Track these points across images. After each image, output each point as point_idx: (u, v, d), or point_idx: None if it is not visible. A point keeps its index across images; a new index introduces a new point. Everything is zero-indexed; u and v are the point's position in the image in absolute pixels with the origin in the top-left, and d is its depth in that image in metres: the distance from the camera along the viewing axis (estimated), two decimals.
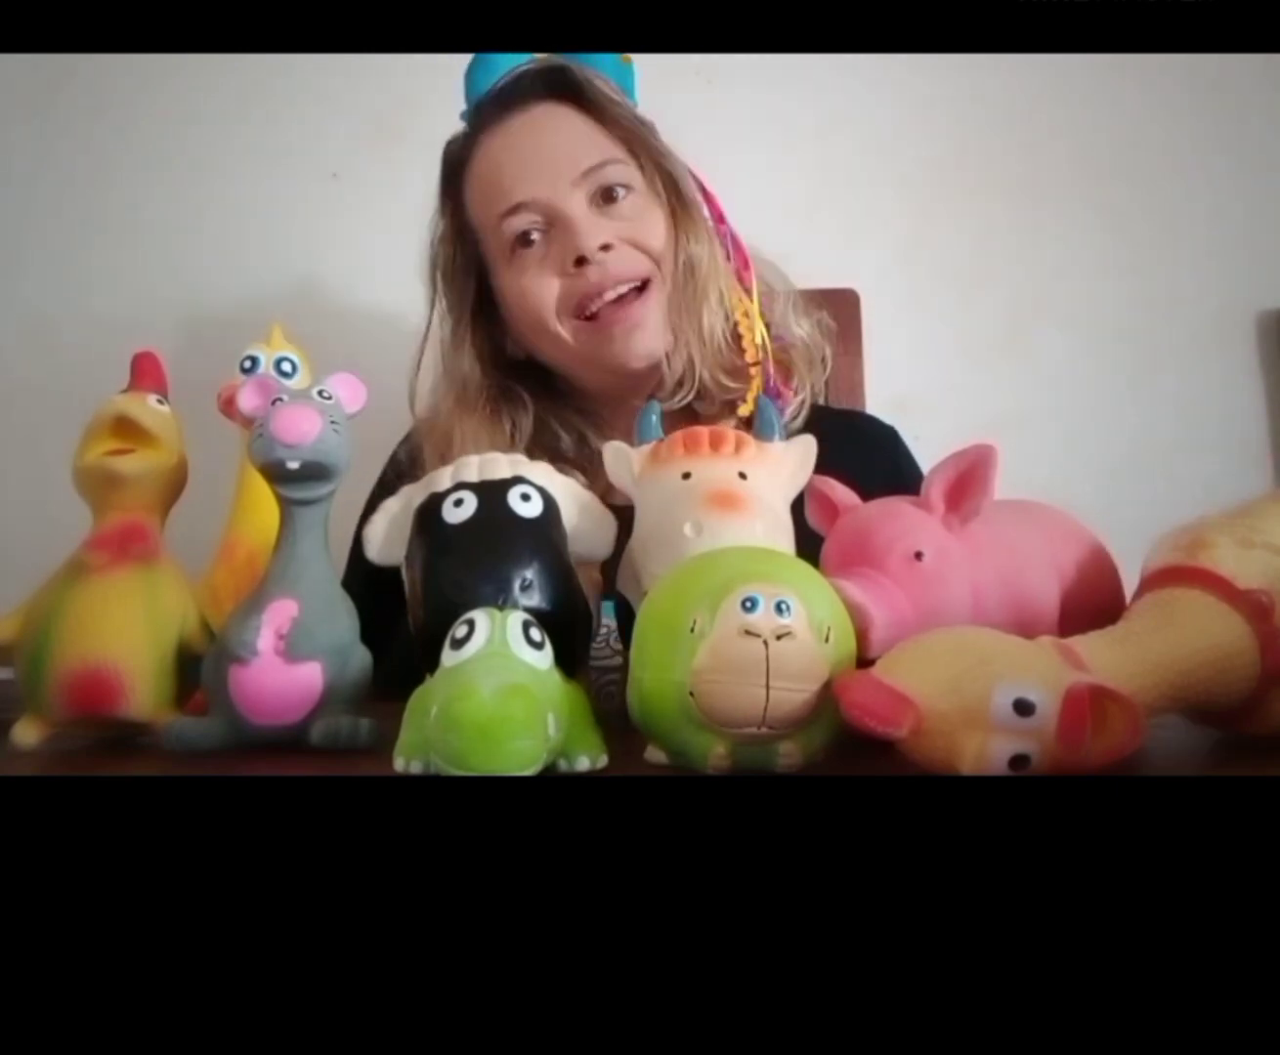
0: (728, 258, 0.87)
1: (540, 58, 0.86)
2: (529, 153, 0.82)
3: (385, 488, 0.85)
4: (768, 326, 0.86)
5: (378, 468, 0.93)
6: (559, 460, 0.80)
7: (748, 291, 0.86)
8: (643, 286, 0.81)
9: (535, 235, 0.81)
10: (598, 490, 0.55)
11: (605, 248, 0.80)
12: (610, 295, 0.80)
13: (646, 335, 0.81)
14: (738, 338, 0.84)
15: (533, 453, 0.81)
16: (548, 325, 0.82)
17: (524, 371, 0.88)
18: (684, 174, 0.85)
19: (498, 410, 0.86)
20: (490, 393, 0.86)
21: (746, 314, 0.84)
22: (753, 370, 0.84)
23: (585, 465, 0.80)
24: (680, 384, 0.82)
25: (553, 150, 0.82)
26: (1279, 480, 1.20)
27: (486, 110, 0.85)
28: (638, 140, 0.84)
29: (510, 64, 0.86)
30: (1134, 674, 0.40)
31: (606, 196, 0.82)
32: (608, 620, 0.66)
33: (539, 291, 0.81)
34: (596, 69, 0.85)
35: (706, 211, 0.87)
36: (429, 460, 0.82)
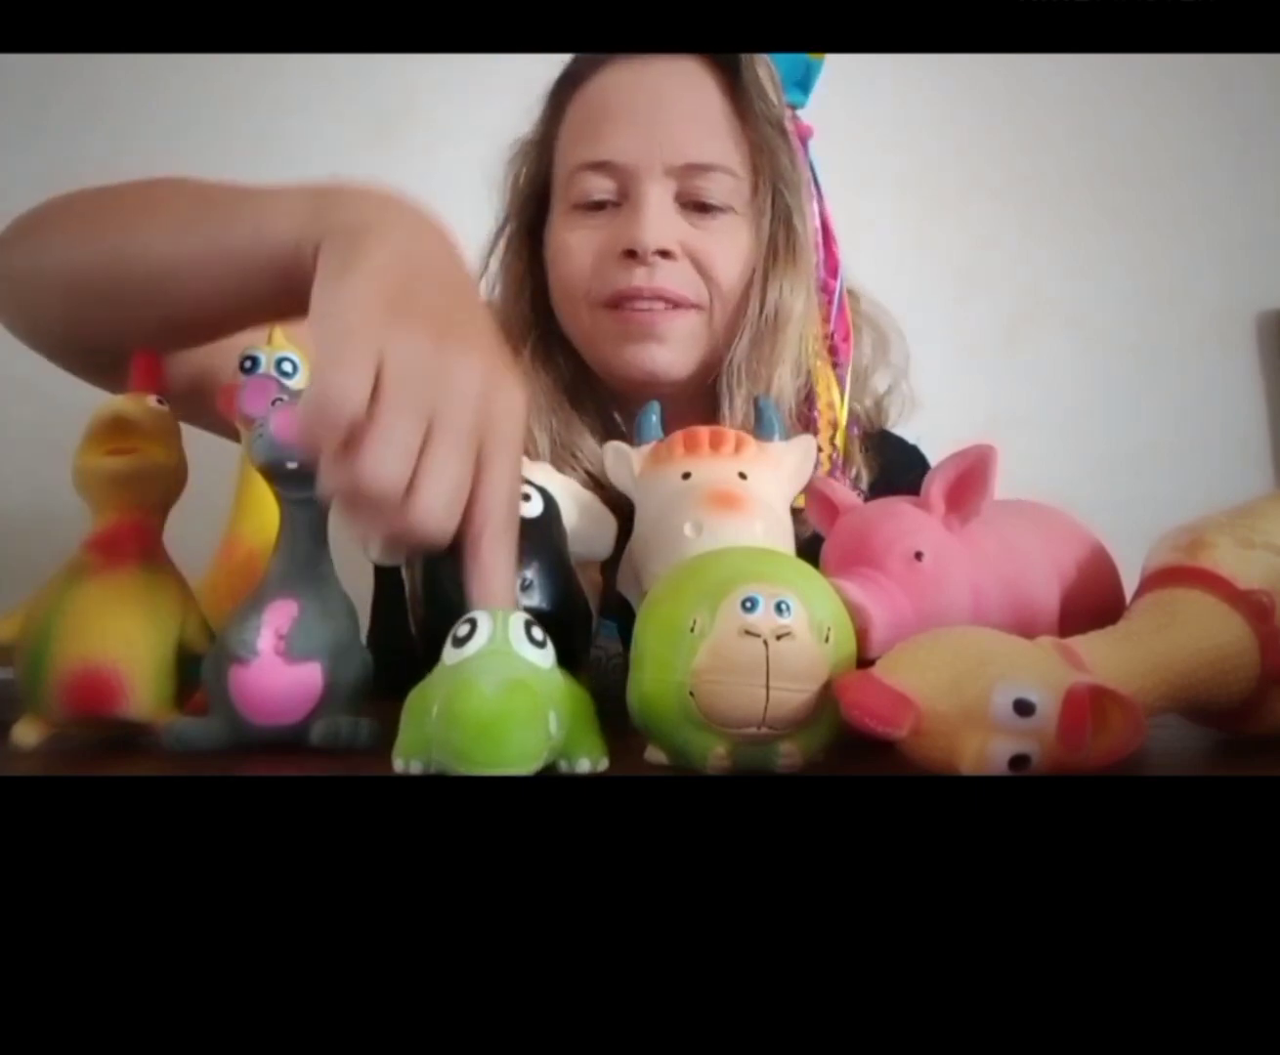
0: (826, 319, 0.75)
1: None
2: (643, 107, 0.71)
3: None
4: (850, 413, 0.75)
5: None
6: (580, 431, 0.74)
7: (839, 366, 0.74)
8: (683, 306, 0.71)
9: (605, 204, 0.71)
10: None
11: (665, 253, 0.69)
12: (643, 306, 0.70)
13: (661, 352, 0.71)
14: (806, 413, 0.72)
15: (572, 417, 0.74)
16: (570, 299, 0.74)
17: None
18: (805, 210, 0.73)
19: (549, 352, 0.76)
20: (539, 331, 0.76)
21: (828, 388, 0.73)
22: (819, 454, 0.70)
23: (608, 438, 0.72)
24: None
25: (669, 118, 0.71)
26: (1279, 480, 1.20)
27: None
28: (766, 154, 0.72)
29: None
30: (1134, 674, 0.40)
31: (698, 206, 0.71)
32: (610, 638, 0.64)
33: (580, 261, 0.72)
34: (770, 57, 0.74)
35: (820, 258, 0.76)
36: None
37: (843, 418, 0.74)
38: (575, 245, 0.72)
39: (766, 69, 0.73)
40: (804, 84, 0.77)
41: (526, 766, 0.37)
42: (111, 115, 1.22)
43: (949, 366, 1.20)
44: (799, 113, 0.78)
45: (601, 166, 0.71)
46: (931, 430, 1.09)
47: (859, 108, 1.22)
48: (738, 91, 0.72)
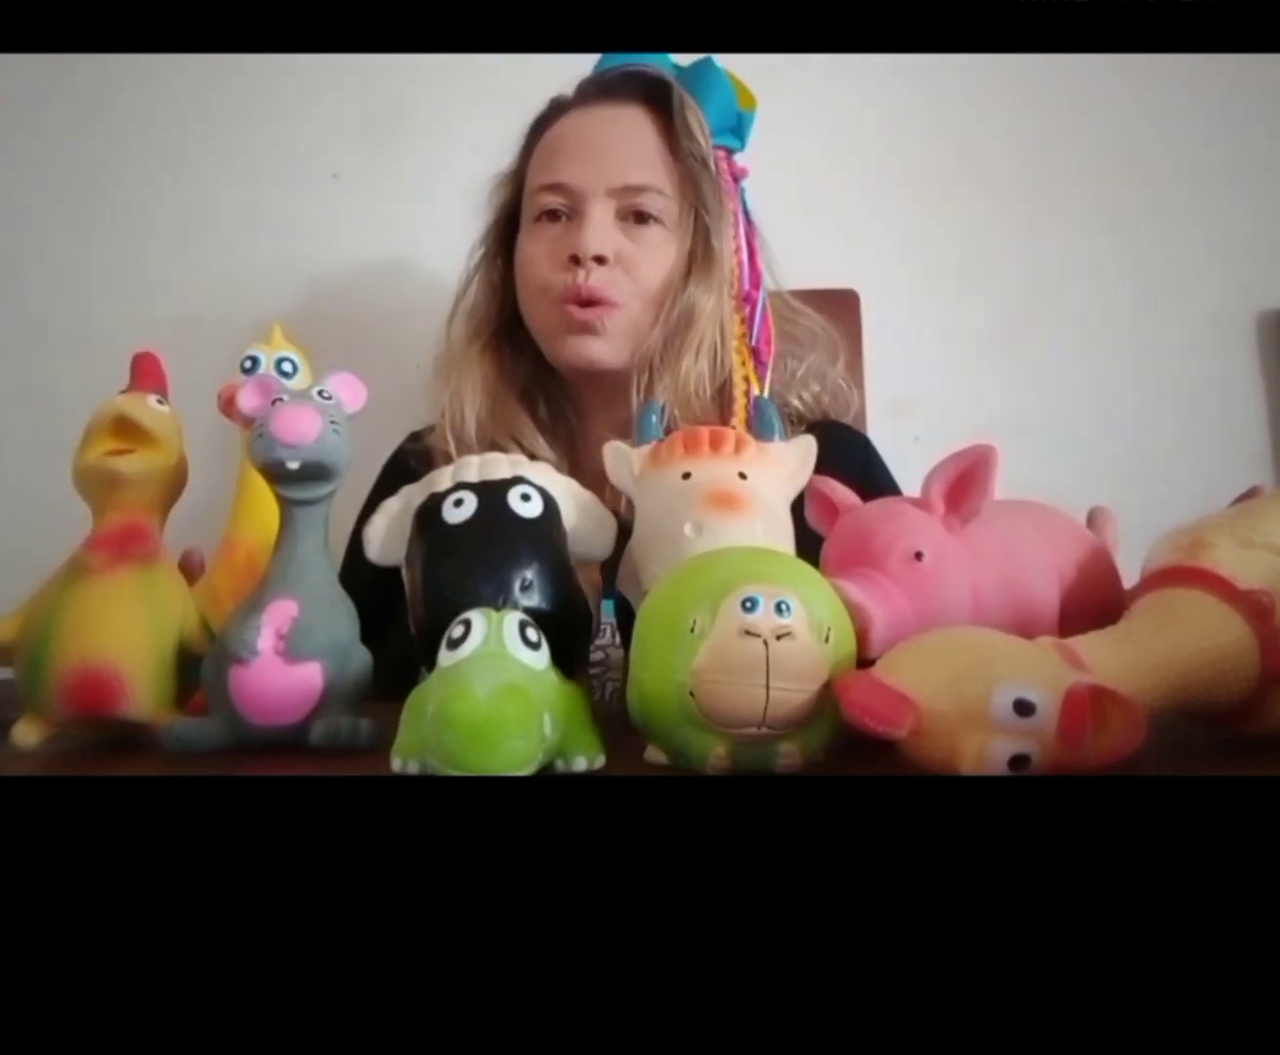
0: (744, 322, 0.88)
1: (654, 66, 0.90)
2: (593, 142, 0.86)
3: (384, 487, 0.89)
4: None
5: (379, 467, 0.93)
6: (536, 422, 0.88)
7: (763, 364, 0.87)
8: (611, 305, 0.83)
9: (561, 216, 0.85)
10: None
11: (599, 259, 0.83)
12: (576, 312, 0.83)
13: (600, 345, 0.84)
14: (726, 397, 0.85)
15: (519, 404, 0.88)
16: (532, 297, 0.87)
17: (522, 324, 0.91)
18: (722, 230, 0.87)
19: (499, 347, 0.90)
20: (495, 327, 0.91)
21: (747, 380, 0.86)
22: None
23: (556, 429, 0.89)
24: None
25: (613, 151, 0.86)
26: (1279, 480, 1.19)
27: (589, 89, 0.90)
28: (692, 182, 0.86)
29: (633, 60, 0.90)
30: (1134, 674, 0.40)
31: (636, 217, 0.85)
32: (608, 619, 0.66)
33: (538, 265, 0.85)
34: (704, 98, 0.88)
35: (745, 274, 0.88)
36: (438, 391, 0.89)
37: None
38: (536, 253, 0.86)
39: (695, 115, 0.87)
40: (738, 132, 0.92)
41: (520, 770, 0.37)
42: (110, 115, 1.21)
43: (949, 366, 1.20)
44: (736, 156, 0.92)
45: (556, 187, 0.86)
46: (931, 430, 1.10)
47: (860, 108, 1.22)
48: (670, 132, 0.86)
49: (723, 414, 0.84)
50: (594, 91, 0.89)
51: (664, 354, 0.84)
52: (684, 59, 0.92)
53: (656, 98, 0.87)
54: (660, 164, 0.86)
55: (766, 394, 0.86)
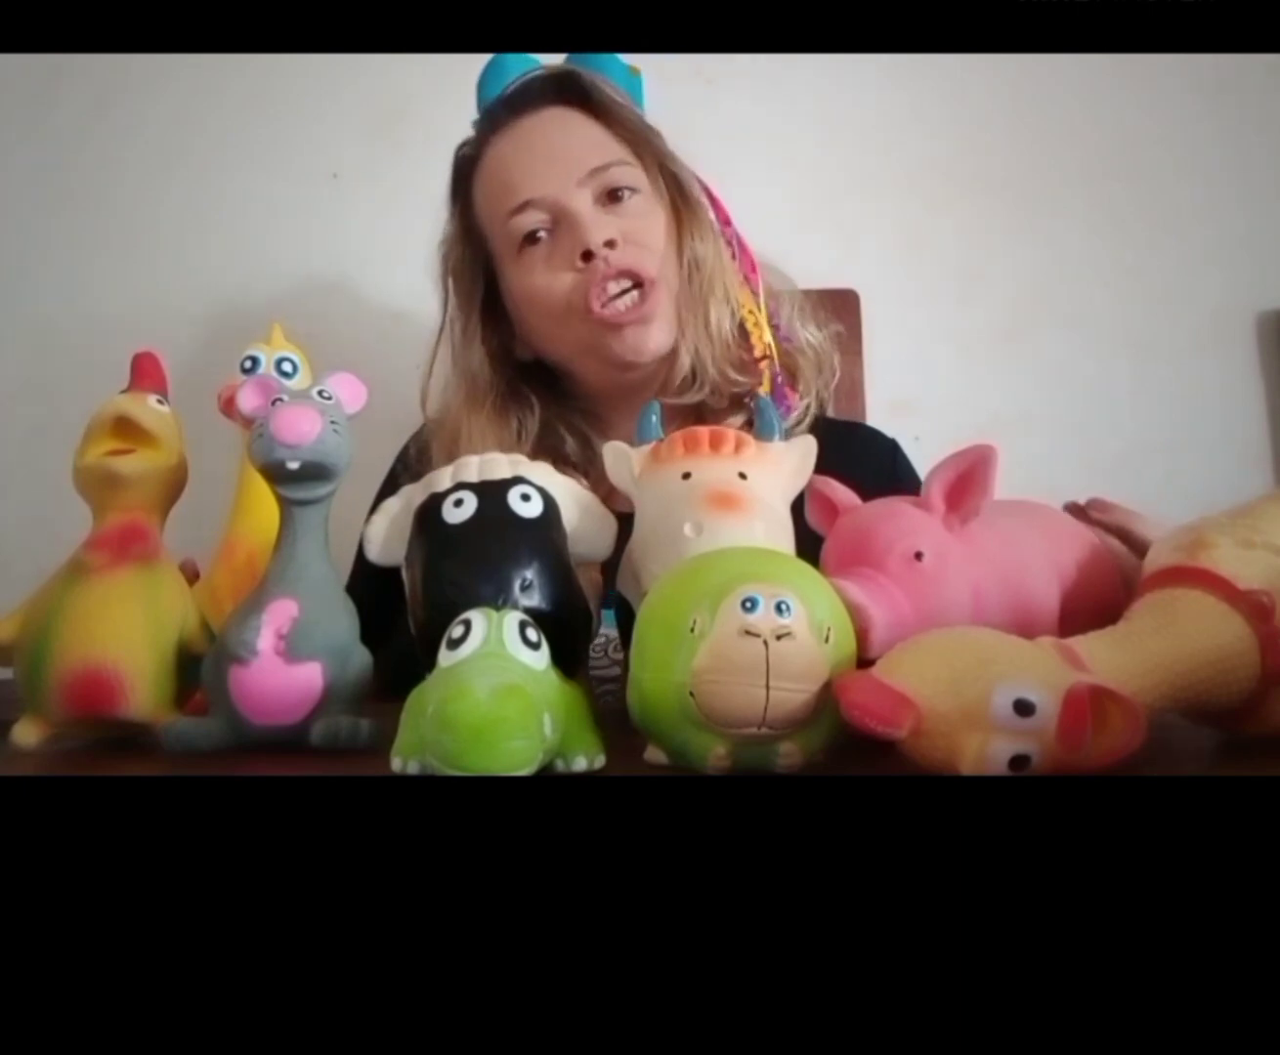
0: (734, 258, 0.88)
1: (548, 65, 0.88)
2: (537, 153, 0.83)
3: (394, 482, 0.88)
4: (775, 329, 0.88)
5: (380, 467, 0.93)
6: (562, 463, 0.82)
7: (755, 293, 0.88)
8: (648, 285, 0.81)
9: (542, 234, 0.82)
10: (601, 493, 0.55)
11: (610, 244, 0.80)
12: (614, 288, 0.80)
13: (655, 330, 0.82)
14: (745, 334, 0.85)
15: (537, 455, 0.83)
16: (557, 320, 0.83)
17: (531, 373, 0.89)
18: (689, 176, 0.87)
19: (505, 409, 0.87)
20: (498, 390, 0.87)
21: (752, 312, 0.86)
22: (761, 365, 0.85)
23: (588, 468, 0.84)
24: (691, 379, 0.83)
25: (561, 150, 0.83)
26: (1279, 480, 1.20)
27: (497, 114, 0.86)
28: (643, 143, 0.85)
29: (520, 69, 0.87)
30: (1134, 674, 0.40)
31: (612, 196, 0.83)
32: (607, 629, 0.65)
33: (548, 287, 0.82)
34: (604, 75, 0.86)
35: (712, 214, 0.88)
36: (436, 458, 0.83)
37: (765, 327, 0.86)
38: (540, 281, 0.83)
39: (610, 85, 0.86)
40: (636, 99, 0.90)
41: (520, 771, 0.37)
42: (111, 115, 1.22)
43: (949, 366, 1.20)
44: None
45: (526, 205, 0.82)
46: (931, 430, 1.10)
47: (860, 108, 1.22)
48: (598, 110, 0.85)
49: (748, 346, 0.85)
50: (505, 114, 0.86)
51: (689, 310, 0.83)
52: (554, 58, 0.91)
53: (568, 90, 0.85)
54: (608, 140, 0.84)
55: (764, 312, 0.87)
